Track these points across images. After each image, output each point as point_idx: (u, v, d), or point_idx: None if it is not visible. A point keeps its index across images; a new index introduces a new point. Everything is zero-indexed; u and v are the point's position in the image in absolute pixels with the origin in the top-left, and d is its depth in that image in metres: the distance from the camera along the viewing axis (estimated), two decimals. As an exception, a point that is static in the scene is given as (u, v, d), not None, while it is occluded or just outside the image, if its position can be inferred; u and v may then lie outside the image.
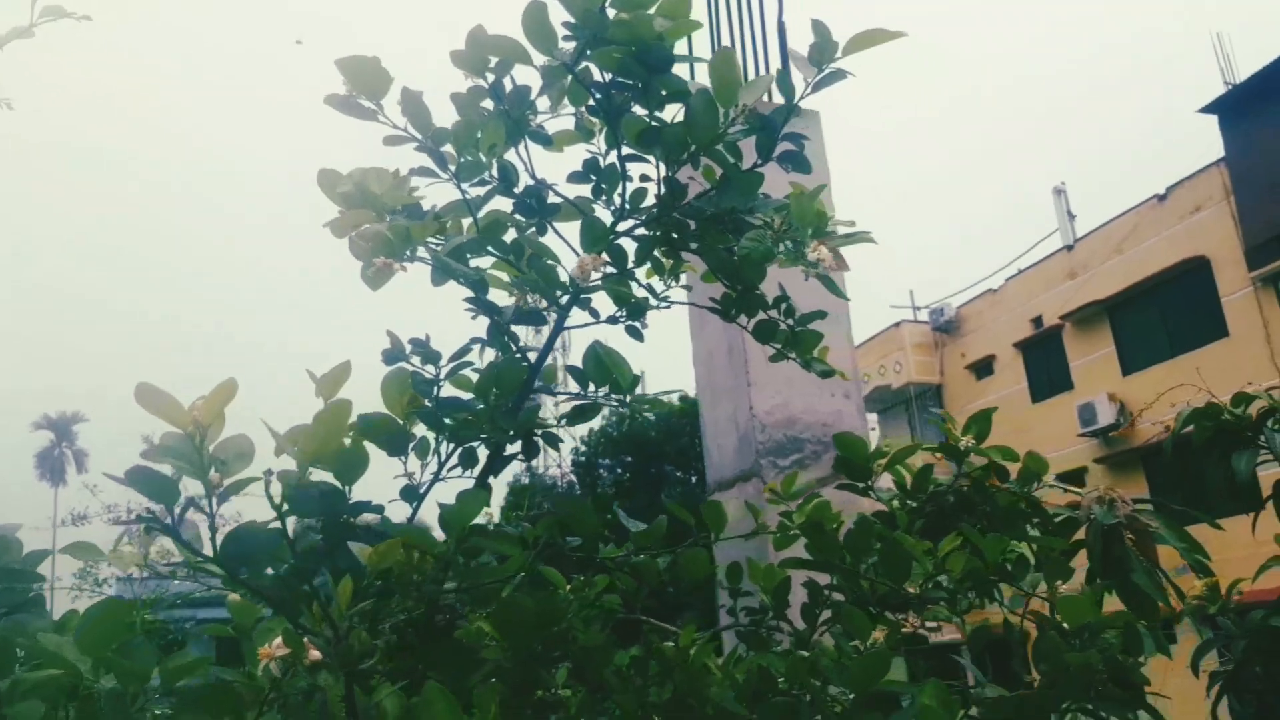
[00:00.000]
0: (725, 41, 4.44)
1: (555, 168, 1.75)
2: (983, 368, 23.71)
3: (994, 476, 2.03)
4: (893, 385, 24.93)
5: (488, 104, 1.65)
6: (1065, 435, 20.62)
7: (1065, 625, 1.44)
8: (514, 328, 1.65)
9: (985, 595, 1.81)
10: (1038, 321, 22.14)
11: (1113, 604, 1.83)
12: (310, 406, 1.35)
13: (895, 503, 2.01)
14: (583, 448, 28.38)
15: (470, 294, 1.55)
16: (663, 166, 1.50)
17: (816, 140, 4.70)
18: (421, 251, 1.39)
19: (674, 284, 1.79)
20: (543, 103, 1.71)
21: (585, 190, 1.72)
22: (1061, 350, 21.60)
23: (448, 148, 1.52)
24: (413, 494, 1.43)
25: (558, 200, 1.64)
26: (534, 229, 1.63)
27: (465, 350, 1.49)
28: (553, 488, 28.66)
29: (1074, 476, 20.02)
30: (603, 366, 1.48)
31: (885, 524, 1.95)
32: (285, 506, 1.36)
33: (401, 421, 1.52)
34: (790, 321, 1.74)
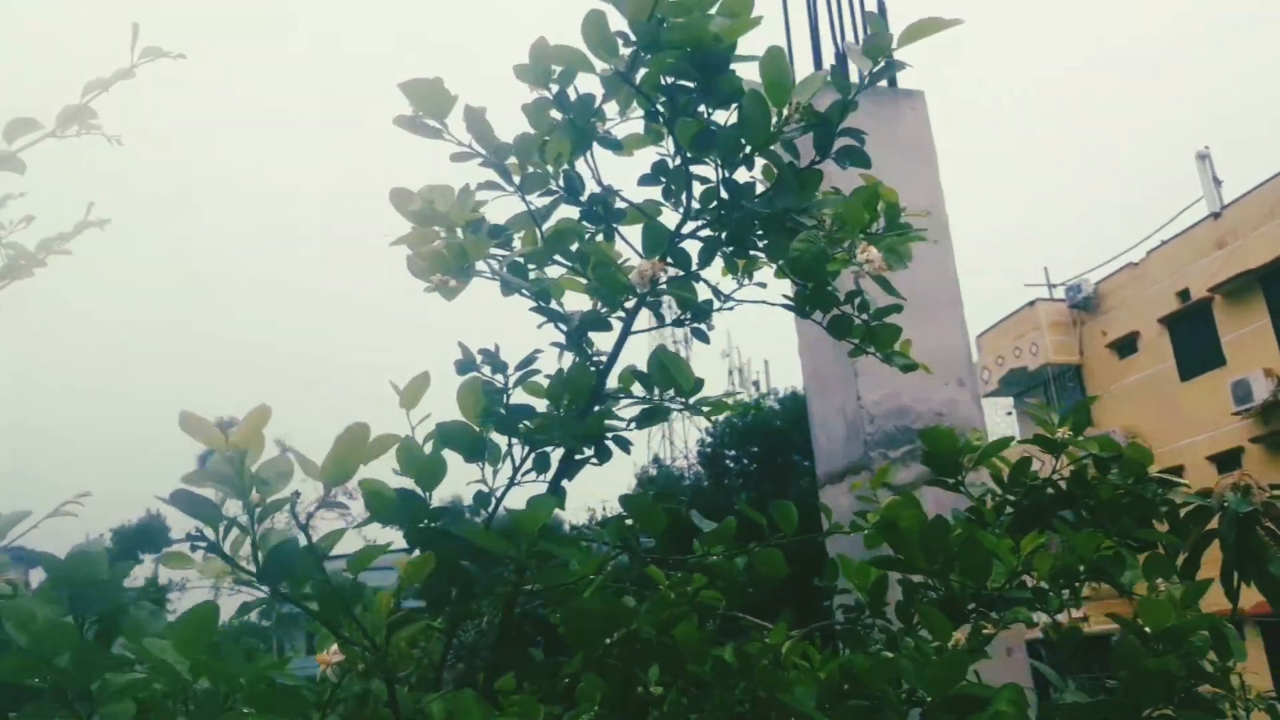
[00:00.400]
0: (824, 32, 4.38)
1: (628, 171, 1.77)
2: (1125, 345, 22.56)
3: (1095, 468, 1.95)
4: (1029, 367, 23.98)
5: (556, 114, 1.68)
6: (1218, 414, 19.46)
7: (1147, 629, 1.37)
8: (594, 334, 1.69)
9: (1117, 588, 1.74)
10: (1184, 295, 20.92)
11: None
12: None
13: (989, 498, 1.95)
14: (709, 439, 28.38)
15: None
16: (722, 169, 1.50)
17: (921, 120, 4.57)
18: (485, 265, 1.43)
19: (747, 282, 1.79)
20: (614, 107, 1.73)
21: (656, 193, 1.73)
22: (1211, 324, 20.35)
23: (513, 160, 1.55)
24: (486, 500, 1.47)
25: (624, 205, 1.66)
26: (602, 235, 1.66)
27: (531, 359, 1.53)
28: (680, 479, 28.75)
29: (1229, 458, 18.89)
30: (666, 371, 1.49)
31: (979, 521, 1.90)
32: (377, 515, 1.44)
33: (478, 429, 1.57)
34: (865, 316, 1.71)
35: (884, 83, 5.28)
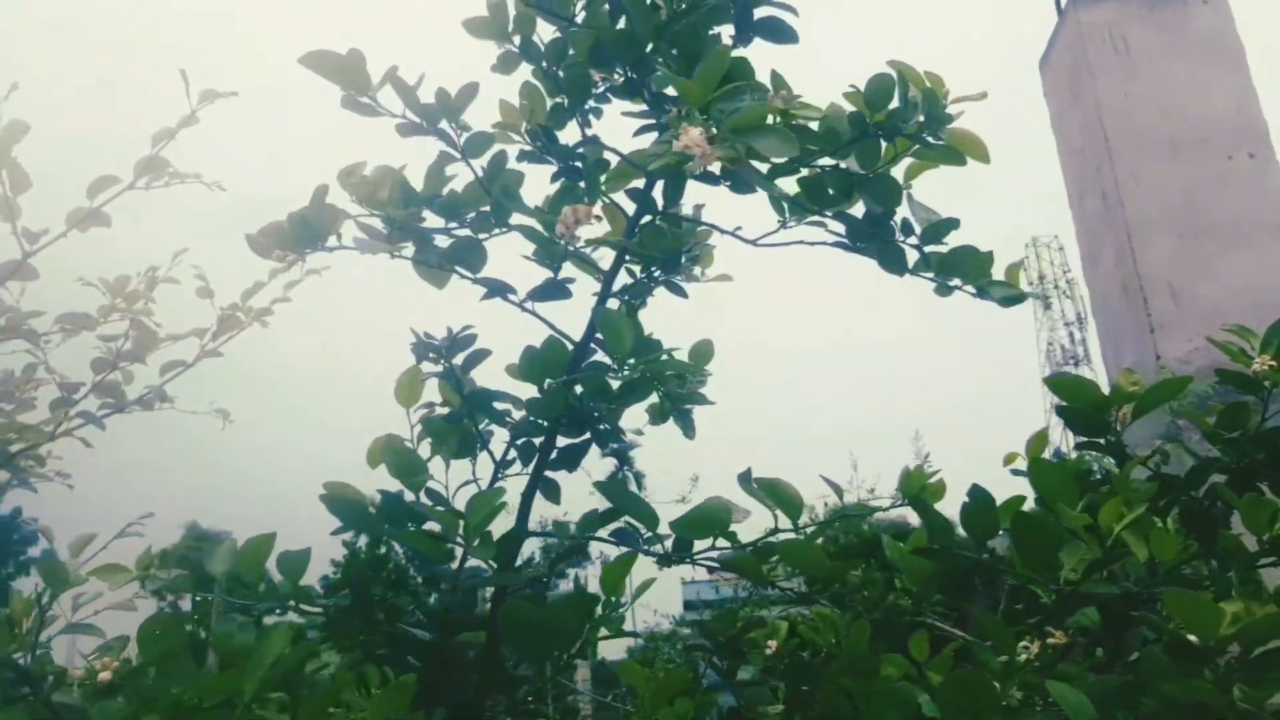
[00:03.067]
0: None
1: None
2: None
3: (1326, 409, 1.38)
4: None
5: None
6: None
7: (1191, 636, 0.87)
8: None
9: None
10: None
11: None
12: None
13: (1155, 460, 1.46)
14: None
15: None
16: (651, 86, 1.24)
17: (1219, 16, 3.70)
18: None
19: (795, 222, 1.48)
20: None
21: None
22: None
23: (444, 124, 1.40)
24: (440, 498, 1.33)
25: (608, 158, 1.44)
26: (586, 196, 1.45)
27: (469, 340, 1.37)
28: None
29: None
30: (615, 333, 1.26)
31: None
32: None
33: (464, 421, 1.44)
34: (912, 241, 1.35)
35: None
